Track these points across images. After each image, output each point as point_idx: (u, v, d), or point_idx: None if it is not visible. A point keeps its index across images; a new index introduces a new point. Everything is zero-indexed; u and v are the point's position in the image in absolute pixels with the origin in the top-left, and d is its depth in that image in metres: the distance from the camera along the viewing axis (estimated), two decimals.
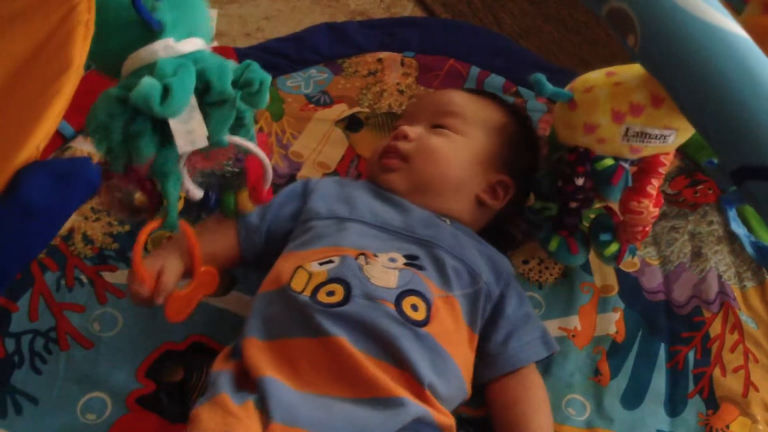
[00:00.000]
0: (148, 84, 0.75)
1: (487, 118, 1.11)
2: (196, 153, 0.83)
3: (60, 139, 1.20)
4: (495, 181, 1.09)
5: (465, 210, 1.08)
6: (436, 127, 1.09)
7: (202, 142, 0.81)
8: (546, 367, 1.06)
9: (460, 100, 1.13)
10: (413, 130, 1.08)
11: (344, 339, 0.86)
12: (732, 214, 1.10)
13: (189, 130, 0.80)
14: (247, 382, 0.87)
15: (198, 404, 0.85)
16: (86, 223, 1.13)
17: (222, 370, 0.89)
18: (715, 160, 0.76)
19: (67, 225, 1.12)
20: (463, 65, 1.35)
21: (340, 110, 1.30)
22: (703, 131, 0.68)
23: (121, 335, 1.04)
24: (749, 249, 1.07)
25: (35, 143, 0.66)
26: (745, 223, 1.19)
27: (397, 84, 1.33)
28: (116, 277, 1.09)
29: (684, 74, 0.67)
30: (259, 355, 0.88)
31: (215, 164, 0.89)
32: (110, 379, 1.00)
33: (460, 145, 1.07)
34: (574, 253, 1.09)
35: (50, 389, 0.99)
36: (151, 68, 0.79)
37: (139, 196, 0.86)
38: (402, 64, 1.35)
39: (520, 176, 1.11)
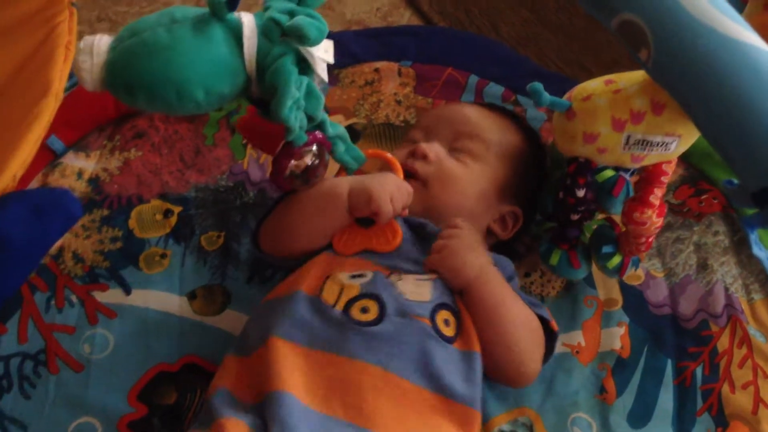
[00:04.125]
0: (305, 20, 0.81)
1: (506, 143, 1.09)
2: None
3: (50, 155, 1.17)
4: (506, 212, 1.07)
5: None
6: (455, 149, 1.07)
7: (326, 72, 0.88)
8: (549, 384, 1.04)
9: (480, 120, 1.10)
10: (432, 150, 1.05)
11: (377, 368, 0.84)
12: (754, 237, 1.07)
13: (326, 58, 0.86)
14: (247, 393, 0.85)
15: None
16: (76, 241, 1.10)
17: (217, 391, 0.86)
18: (735, 180, 0.72)
19: (57, 243, 1.09)
20: (461, 74, 1.33)
21: (337, 121, 1.27)
22: (723, 151, 0.64)
23: (113, 357, 1.02)
24: None
25: (12, 172, 0.63)
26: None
27: (395, 94, 1.30)
28: (107, 296, 1.06)
29: (701, 90, 0.63)
30: (287, 362, 0.84)
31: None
32: (101, 403, 0.98)
33: (478, 175, 1.05)
34: (575, 267, 1.06)
35: (39, 414, 0.97)
36: (268, 32, 0.83)
37: (302, 161, 0.92)
38: (399, 73, 1.33)
39: (529, 203, 1.10)
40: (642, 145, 0.92)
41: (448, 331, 0.90)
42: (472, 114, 1.11)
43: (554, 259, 1.06)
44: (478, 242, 0.97)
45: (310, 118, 0.89)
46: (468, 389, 0.88)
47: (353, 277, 0.91)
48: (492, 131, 1.09)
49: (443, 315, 0.91)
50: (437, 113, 1.17)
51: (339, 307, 0.88)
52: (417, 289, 0.91)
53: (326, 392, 0.83)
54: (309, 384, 0.83)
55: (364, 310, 0.88)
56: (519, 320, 0.95)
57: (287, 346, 0.85)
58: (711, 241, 1.17)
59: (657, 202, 0.99)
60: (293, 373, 0.83)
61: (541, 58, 1.53)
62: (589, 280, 1.13)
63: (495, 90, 1.31)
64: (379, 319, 0.87)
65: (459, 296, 0.95)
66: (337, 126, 0.97)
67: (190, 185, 1.18)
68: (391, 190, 0.94)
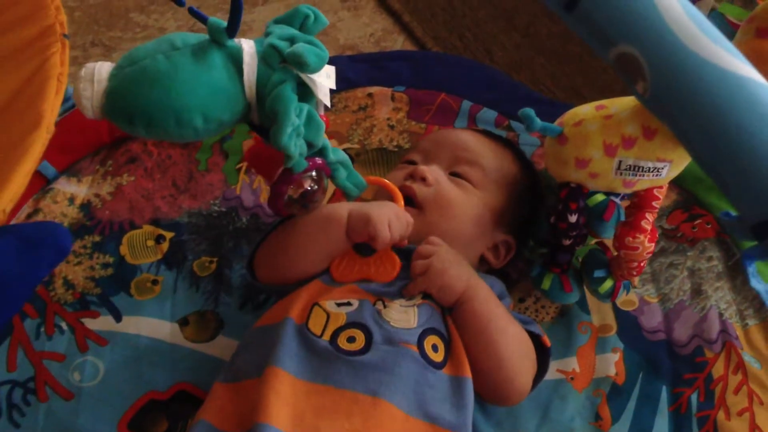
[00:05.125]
0: (304, 47, 0.80)
1: (504, 172, 1.09)
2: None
3: (42, 181, 1.17)
4: (500, 241, 1.07)
5: None
6: (454, 174, 1.06)
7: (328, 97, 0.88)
8: (545, 411, 1.03)
9: (480, 147, 1.10)
10: (431, 172, 1.04)
11: (367, 396, 0.83)
12: (752, 269, 1.06)
13: (328, 84, 0.86)
14: (230, 423, 0.84)
15: None
16: (67, 267, 1.09)
17: (196, 424, 0.85)
18: (732, 212, 0.71)
19: None
20: (454, 99, 1.33)
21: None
22: (721, 183, 0.63)
23: (103, 385, 1.01)
24: None
25: (1, 207, 0.62)
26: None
27: (388, 119, 1.30)
28: (98, 323, 1.05)
29: (699, 123, 0.63)
30: (277, 392, 0.82)
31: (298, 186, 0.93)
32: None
33: (476, 201, 1.05)
34: (567, 291, 1.06)
35: None
36: (267, 58, 0.82)
37: (299, 187, 0.91)
38: (392, 98, 1.33)
39: (522, 231, 1.10)
40: (634, 170, 0.92)
41: (437, 357, 0.89)
42: (472, 140, 1.11)
43: (546, 283, 1.06)
44: (456, 255, 0.97)
45: (310, 145, 0.88)
46: (456, 416, 0.86)
47: (340, 305, 0.91)
48: (491, 159, 1.09)
49: (431, 340, 0.90)
50: (436, 137, 1.16)
51: (325, 338, 0.87)
52: (402, 316, 0.90)
53: (313, 420, 0.82)
54: (296, 414, 0.82)
55: (351, 340, 0.87)
56: (509, 331, 0.94)
57: (280, 375, 0.84)
58: (705, 267, 1.17)
59: (649, 227, 0.99)
60: (281, 404, 0.82)
61: (534, 83, 1.53)
62: (583, 306, 1.12)
63: (488, 115, 1.31)
64: (366, 348, 0.86)
65: (449, 314, 0.94)
66: (338, 152, 0.96)
67: (182, 210, 1.17)
68: (390, 218, 0.94)
